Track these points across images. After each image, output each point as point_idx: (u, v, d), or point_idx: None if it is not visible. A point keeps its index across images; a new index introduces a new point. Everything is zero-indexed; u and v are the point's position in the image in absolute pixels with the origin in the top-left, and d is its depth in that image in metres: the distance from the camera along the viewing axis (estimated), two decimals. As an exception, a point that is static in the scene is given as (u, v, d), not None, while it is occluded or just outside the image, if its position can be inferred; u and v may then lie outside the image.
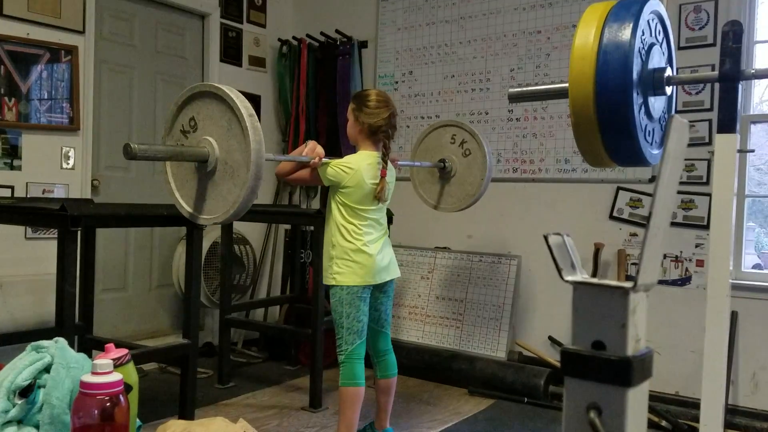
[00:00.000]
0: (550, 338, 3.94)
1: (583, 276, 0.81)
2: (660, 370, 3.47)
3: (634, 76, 1.49)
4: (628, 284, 0.77)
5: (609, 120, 1.50)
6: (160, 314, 4.45)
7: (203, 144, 1.99)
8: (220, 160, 1.97)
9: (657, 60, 1.61)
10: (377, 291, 2.84)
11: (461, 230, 4.32)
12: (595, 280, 0.76)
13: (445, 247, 4.38)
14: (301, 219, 4.28)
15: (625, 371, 0.77)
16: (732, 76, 1.52)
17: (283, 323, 4.51)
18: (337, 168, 2.68)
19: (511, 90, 1.86)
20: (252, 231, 4.71)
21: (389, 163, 2.80)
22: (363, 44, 4.77)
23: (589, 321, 0.78)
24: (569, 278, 0.81)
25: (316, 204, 4.96)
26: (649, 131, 1.62)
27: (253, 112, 1.95)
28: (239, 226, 4.33)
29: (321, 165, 2.66)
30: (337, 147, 4.76)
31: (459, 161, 3.37)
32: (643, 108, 1.56)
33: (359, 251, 2.71)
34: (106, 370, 1.09)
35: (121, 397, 1.09)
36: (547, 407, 3.57)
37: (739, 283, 3.35)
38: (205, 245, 4.12)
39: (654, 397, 3.41)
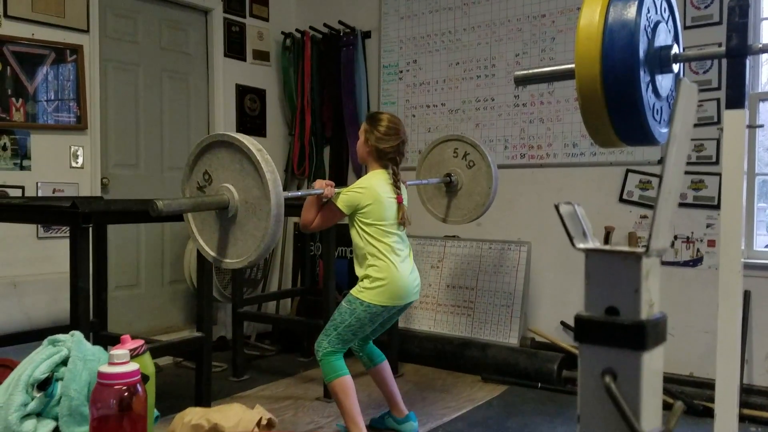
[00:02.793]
0: (562, 323, 3.94)
1: (594, 243, 0.81)
2: (674, 351, 3.46)
3: (641, 54, 1.47)
4: (641, 249, 0.76)
5: (616, 99, 1.49)
6: (173, 310, 4.48)
7: (222, 191, 2.04)
8: (241, 201, 2.02)
9: (663, 38, 1.59)
10: (394, 309, 2.83)
11: (470, 218, 4.31)
12: (607, 247, 0.77)
13: (454, 236, 4.38)
14: (309, 211, 4.27)
15: (640, 335, 0.77)
16: (739, 51, 1.50)
17: (295, 315, 4.53)
18: (350, 192, 2.71)
19: (516, 73, 1.84)
20: (261, 225, 4.72)
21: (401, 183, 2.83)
22: (366, 34, 4.75)
23: (602, 287, 0.79)
24: (581, 246, 0.81)
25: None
26: (657, 109, 1.61)
27: (261, 147, 1.99)
28: (248, 220, 4.34)
29: (334, 195, 2.68)
30: (343, 138, 4.77)
31: (464, 174, 3.43)
32: (650, 86, 1.55)
33: (394, 270, 2.72)
34: (123, 360, 1.10)
35: (139, 387, 1.10)
36: (560, 392, 3.58)
37: (751, 262, 3.33)
38: (216, 240, 4.13)
39: (668, 379, 3.40)
